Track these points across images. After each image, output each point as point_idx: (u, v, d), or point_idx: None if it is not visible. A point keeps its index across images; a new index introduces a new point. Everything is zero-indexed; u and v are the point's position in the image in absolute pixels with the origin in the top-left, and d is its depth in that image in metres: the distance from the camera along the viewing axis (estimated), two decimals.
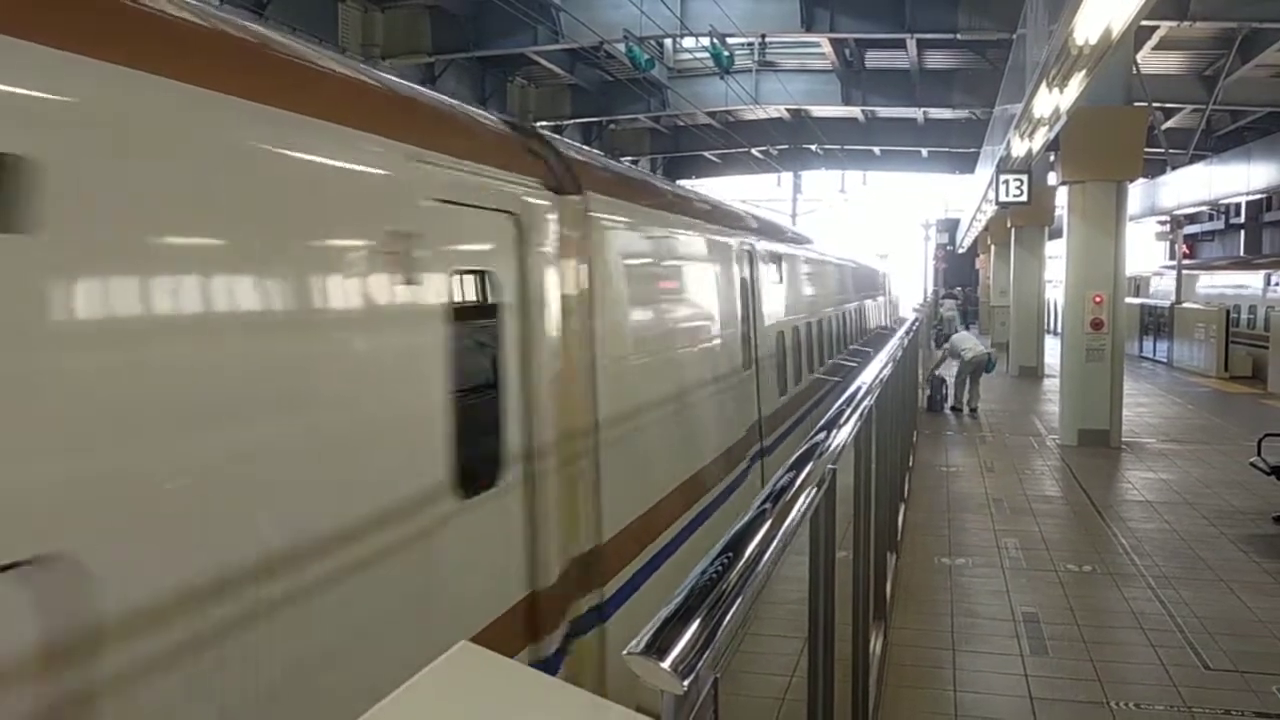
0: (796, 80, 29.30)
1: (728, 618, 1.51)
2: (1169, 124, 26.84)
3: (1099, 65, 9.84)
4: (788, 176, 48.07)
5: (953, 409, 17.73)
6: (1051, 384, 20.91)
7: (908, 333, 11.79)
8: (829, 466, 3.23)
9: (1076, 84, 10.35)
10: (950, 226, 47.83)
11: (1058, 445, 14.14)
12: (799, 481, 2.66)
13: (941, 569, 8.16)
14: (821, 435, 3.44)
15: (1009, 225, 24.60)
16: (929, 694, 5.75)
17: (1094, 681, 5.93)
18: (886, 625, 6.42)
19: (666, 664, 1.25)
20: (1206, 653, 6.36)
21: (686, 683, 1.24)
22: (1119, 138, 13.52)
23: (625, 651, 1.25)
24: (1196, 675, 6.04)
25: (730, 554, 1.84)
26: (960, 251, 46.29)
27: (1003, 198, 16.95)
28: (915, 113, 31.48)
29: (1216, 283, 29.60)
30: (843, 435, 3.66)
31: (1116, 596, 7.53)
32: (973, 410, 17.62)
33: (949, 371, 18.67)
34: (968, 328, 19.62)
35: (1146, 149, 16.05)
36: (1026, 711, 5.52)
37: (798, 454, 2.99)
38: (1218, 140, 28.93)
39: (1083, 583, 7.88)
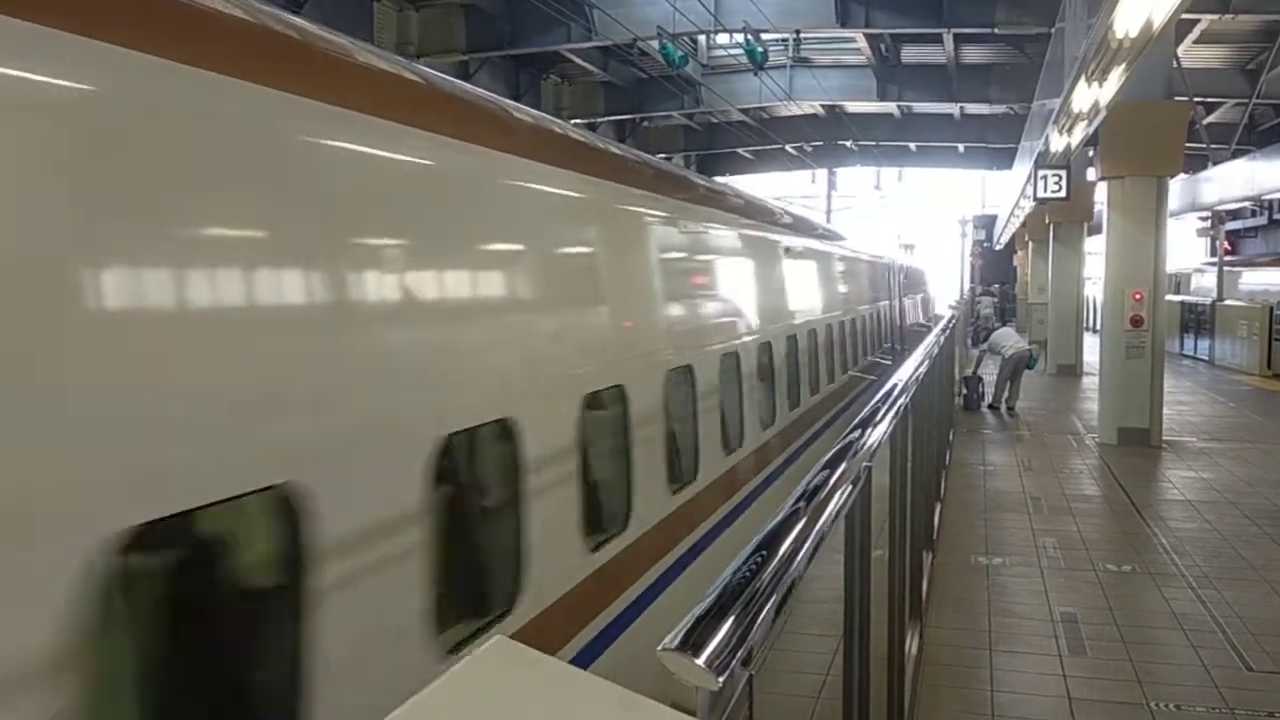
0: (831, 76, 29.16)
1: (762, 615, 1.50)
2: (1210, 118, 26.49)
3: (1139, 59, 9.72)
4: (822, 173, 47.86)
5: (989, 407, 17.58)
6: (1090, 382, 20.70)
7: (944, 330, 11.71)
8: (864, 464, 3.20)
9: (1116, 78, 10.23)
10: (987, 223, 47.44)
11: (1097, 444, 13.99)
12: (833, 480, 2.64)
13: (978, 568, 8.10)
14: (856, 433, 3.41)
15: (1047, 221, 24.37)
16: (965, 693, 5.70)
17: (1133, 682, 5.86)
18: (922, 624, 6.37)
19: (701, 660, 1.23)
20: (1249, 654, 6.27)
21: (721, 679, 1.23)
22: (1159, 132, 13.35)
23: (659, 647, 1.24)
24: (1238, 677, 5.95)
25: (764, 552, 1.82)
26: (998, 248, 45.88)
27: (1041, 193, 16.78)
28: (952, 108, 31.26)
29: (1259, 279, 29.21)
30: (878, 433, 3.62)
31: (1156, 597, 7.44)
32: (1010, 409, 17.46)
33: (987, 370, 18.51)
34: (1006, 324, 19.34)
35: (1187, 144, 15.88)
36: (1065, 712, 5.46)
37: (832, 452, 2.97)
38: (1260, 135, 28.49)
39: (1122, 583, 7.79)
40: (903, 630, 4.77)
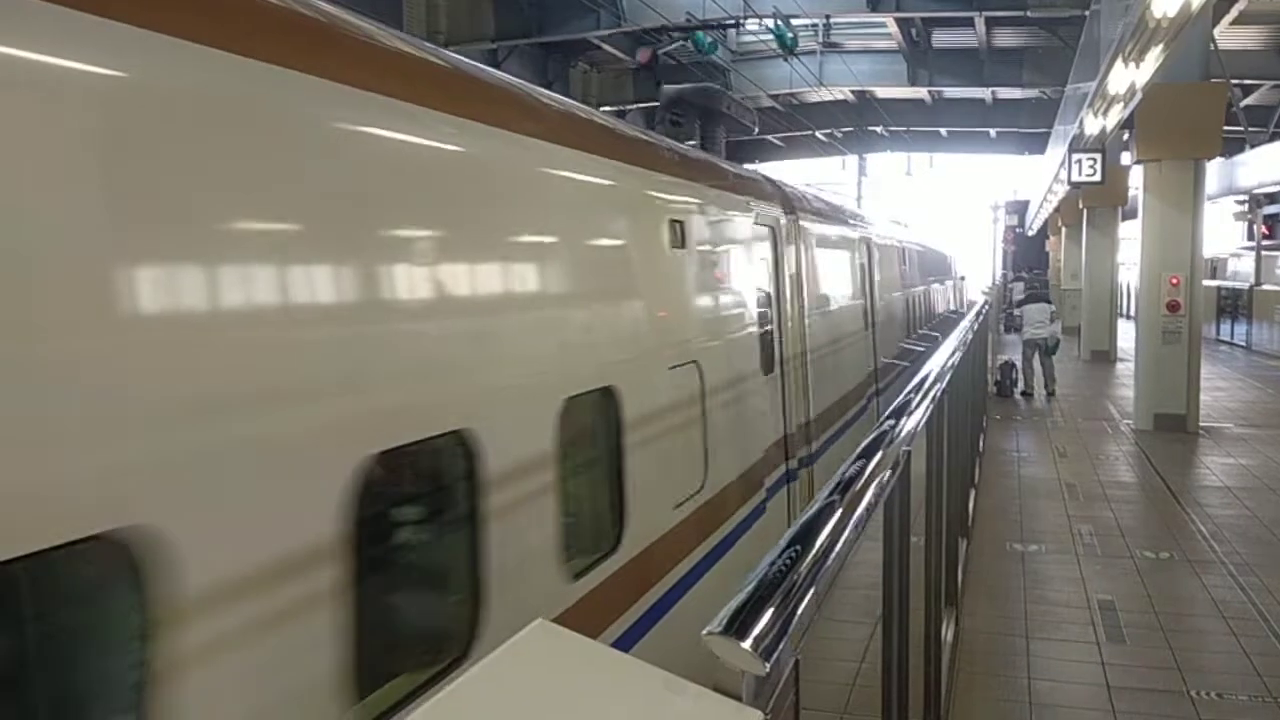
0: (861, 61, 28.93)
1: (804, 601, 1.47)
2: (1248, 101, 26.09)
3: (1176, 40, 9.57)
4: (853, 159, 47.56)
5: (1023, 394, 17.43)
6: (1124, 368, 20.50)
7: (977, 316, 11.61)
8: (904, 449, 3.16)
9: (1153, 59, 10.09)
10: (1020, 209, 47.01)
11: (1132, 430, 13.84)
12: (868, 470, 2.59)
13: (1014, 555, 8.02)
14: (891, 422, 3.36)
15: (1081, 206, 24.11)
16: (1002, 681, 5.65)
17: (1173, 670, 5.79)
18: (958, 612, 6.32)
19: (747, 644, 1.20)
20: None
21: (768, 664, 1.20)
22: (1196, 115, 13.16)
23: (705, 631, 1.21)
24: None
25: (799, 546, 1.77)
26: (1030, 234, 45.48)
27: (1075, 177, 16.58)
28: (983, 93, 30.97)
29: None
30: (914, 421, 3.58)
31: (1196, 584, 7.34)
32: (1050, 394, 17.30)
33: (1018, 354, 18.34)
34: (1036, 300, 18.75)
35: (1225, 127, 15.62)
36: (1103, 700, 5.40)
37: (867, 441, 2.93)
38: None
39: (1160, 570, 7.70)
40: (939, 617, 4.73)
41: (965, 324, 9.01)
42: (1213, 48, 14.98)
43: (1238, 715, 5.28)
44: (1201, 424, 13.80)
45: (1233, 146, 25.61)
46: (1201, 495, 10.13)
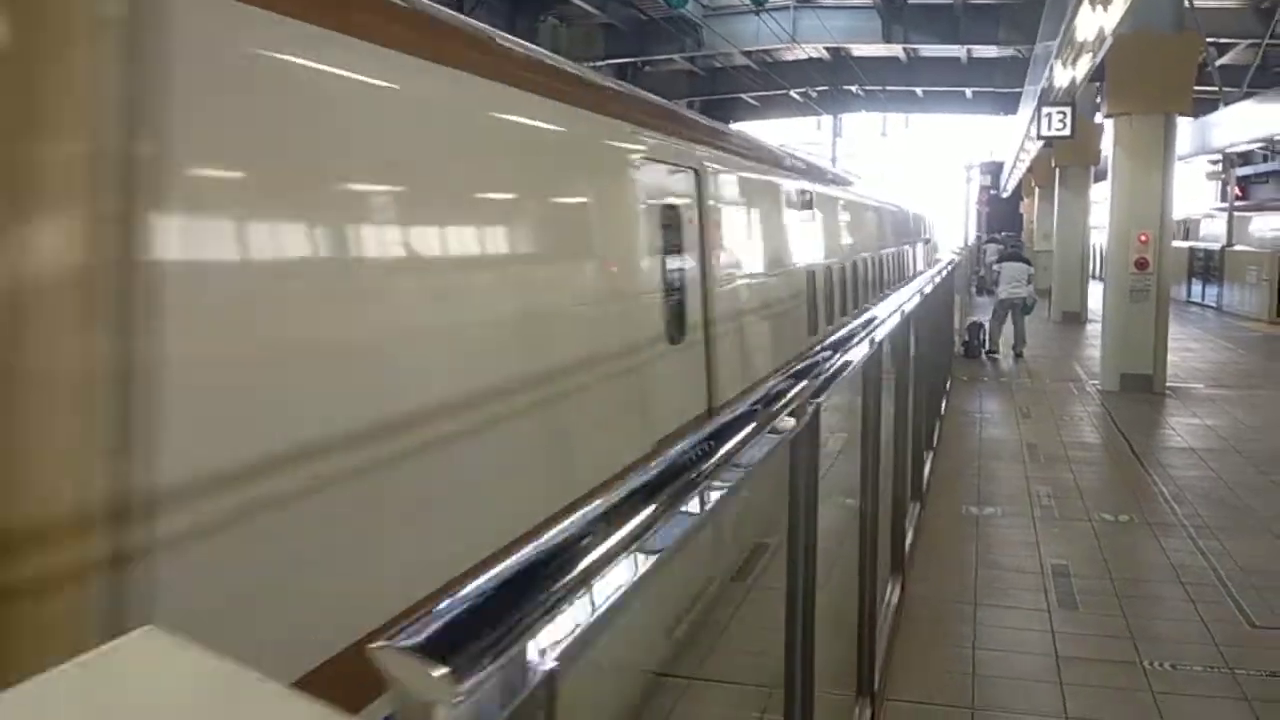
0: (836, 17, 28.41)
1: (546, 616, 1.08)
2: (1223, 60, 25.75)
3: None
4: (828, 120, 47.10)
5: (989, 354, 17.14)
6: (1095, 330, 20.21)
7: (940, 273, 11.29)
8: (812, 403, 2.80)
9: (1122, 1, 9.72)
10: (994, 170, 46.68)
11: (1099, 391, 13.58)
12: (745, 433, 2.18)
13: (968, 519, 7.73)
14: (790, 382, 2.88)
15: (1053, 166, 23.80)
16: (945, 651, 5.34)
17: (1126, 639, 5.50)
18: (905, 578, 6.02)
19: (438, 671, 0.86)
20: (1252, 609, 5.90)
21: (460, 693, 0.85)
22: (1168, 67, 12.80)
23: (376, 646, 0.86)
24: (1240, 633, 5.59)
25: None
26: (1004, 196, 45.19)
27: (1044, 131, 16.24)
28: (959, 51, 30.53)
29: (1270, 225, 28.62)
30: (834, 368, 3.23)
31: (1154, 547, 7.07)
32: (1017, 355, 17.04)
33: (985, 316, 18.07)
34: (1027, 261, 18.37)
35: (1198, 86, 15.29)
36: (1051, 671, 5.11)
37: (768, 388, 2.56)
38: (1273, 77, 27.75)
39: (1118, 533, 7.42)
40: (874, 586, 4.41)
41: (924, 278, 8.67)
42: (1188, 5, 14.63)
43: (1190, 686, 5.00)
44: (1169, 384, 13.55)
45: (1206, 107, 25.32)
46: (1165, 456, 9.87)
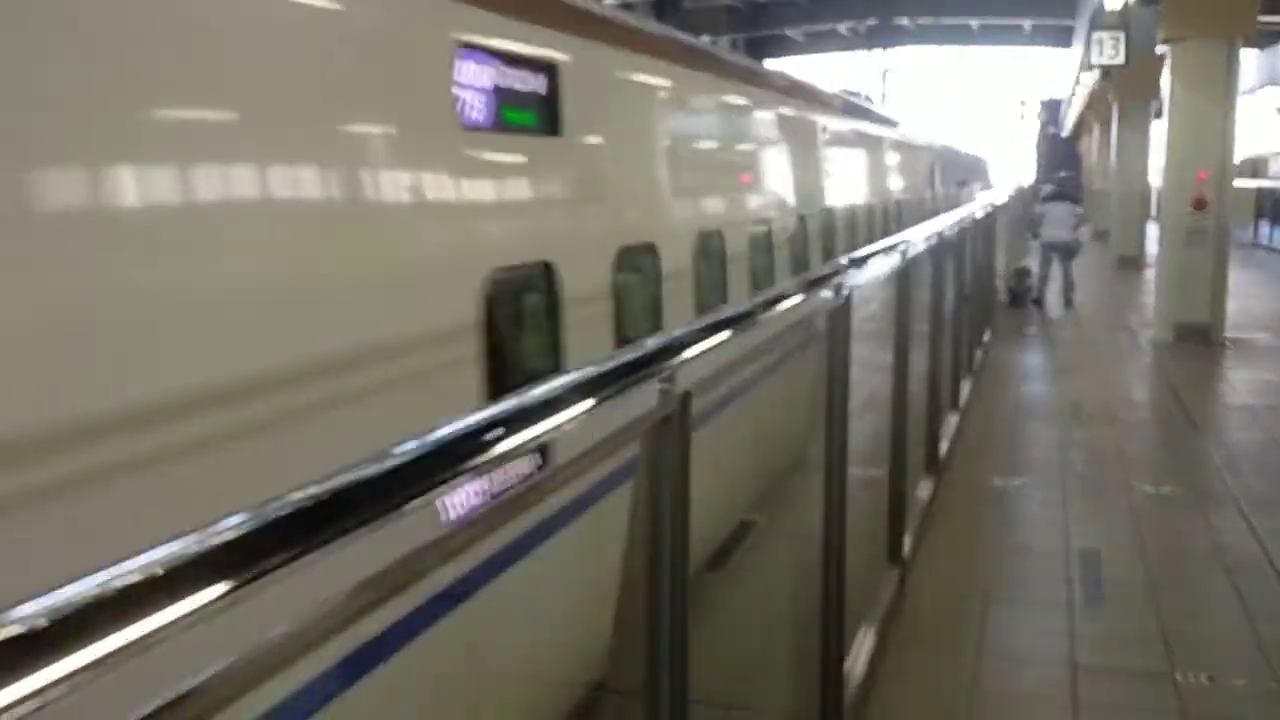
0: None
1: None
2: None
3: None
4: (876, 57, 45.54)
5: (1034, 302, 16.15)
6: (1153, 275, 19.16)
7: (983, 212, 10.50)
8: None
9: None
10: (1054, 108, 44.96)
11: (1152, 342, 12.63)
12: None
13: (991, 492, 6.96)
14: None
15: (1110, 100, 22.54)
16: (942, 661, 4.62)
17: (1158, 642, 4.74)
18: (905, 568, 5.29)
19: None
20: None
21: None
22: None
23: None
24: None
25: None
26: (1064, 135, 43.52)
27: (1096, 59, 15.11)
28: None
29: None
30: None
31: (1199, 527, 6.26)
32: (1068, 303, 16.04)
33: (1034, 261, 17.07)
34: (1076, 202, 17.27)
35: (1266, 16, 14.06)
36: (1065, 685, 4.37)
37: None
38: None
39: (1159, 508, 6.62)
40: (841, 585, 3.68)
41: (943, 218, 7.84)
42: None
43: (1231, 705, 4.26)
44: (1228, 335, 12.55)
45: (1275, 39, 23.81)
46: (1219, 416, 9.01)
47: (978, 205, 12.00)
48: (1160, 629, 4.87)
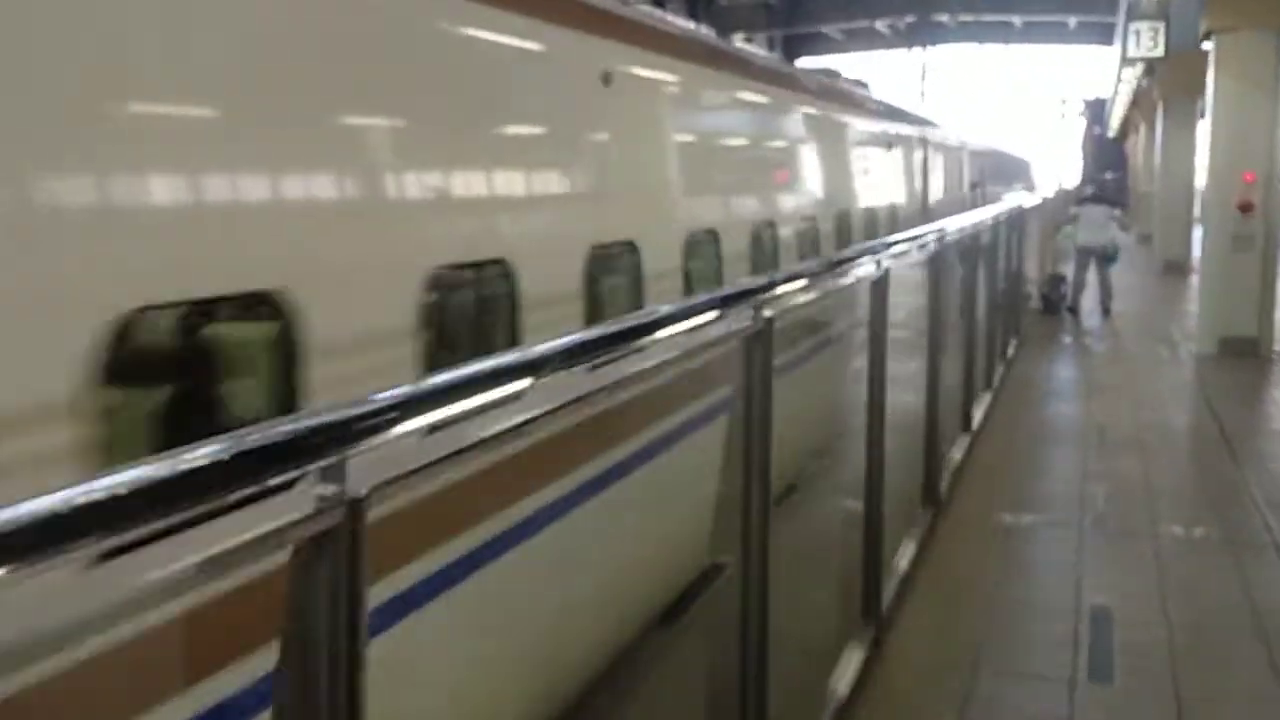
0: None
1: None
2: None
3: None
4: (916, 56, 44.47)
5: (1069, 310, 15.22)
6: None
7: (1007, 216, 9.80)
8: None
9: None
10: (1098, 108, 43.66)
11: (1194, 356, 11.71)
12: None
13: (997, 531, 6.15)
14: None
15: (1155, 97, 21.50)
16: None
17: None
18: (882, 633, 4.52)
19: None
20: None
21: None
22: None
23: None
24: None
25: None
26: (1110, 137, 42.21)
27: (1133, 51, 14.15)
28: None
29: None
30: None
31: (1233, 581, 5.42)
32: (1105, 311, 15.11)
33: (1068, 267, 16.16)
34: (1112, 206, 16.34)
35: None
36: None
37: None
38: None
39: (1188, 556, 5.80)
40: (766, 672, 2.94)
41: (952, 221, 7.06)
42: None
43: None
44: (1277, 348, 11.62)
45: None
46: (1264, 444, 8.13)
47: (1000, 207, 11.20)
48: (1179, 713, 4.06)
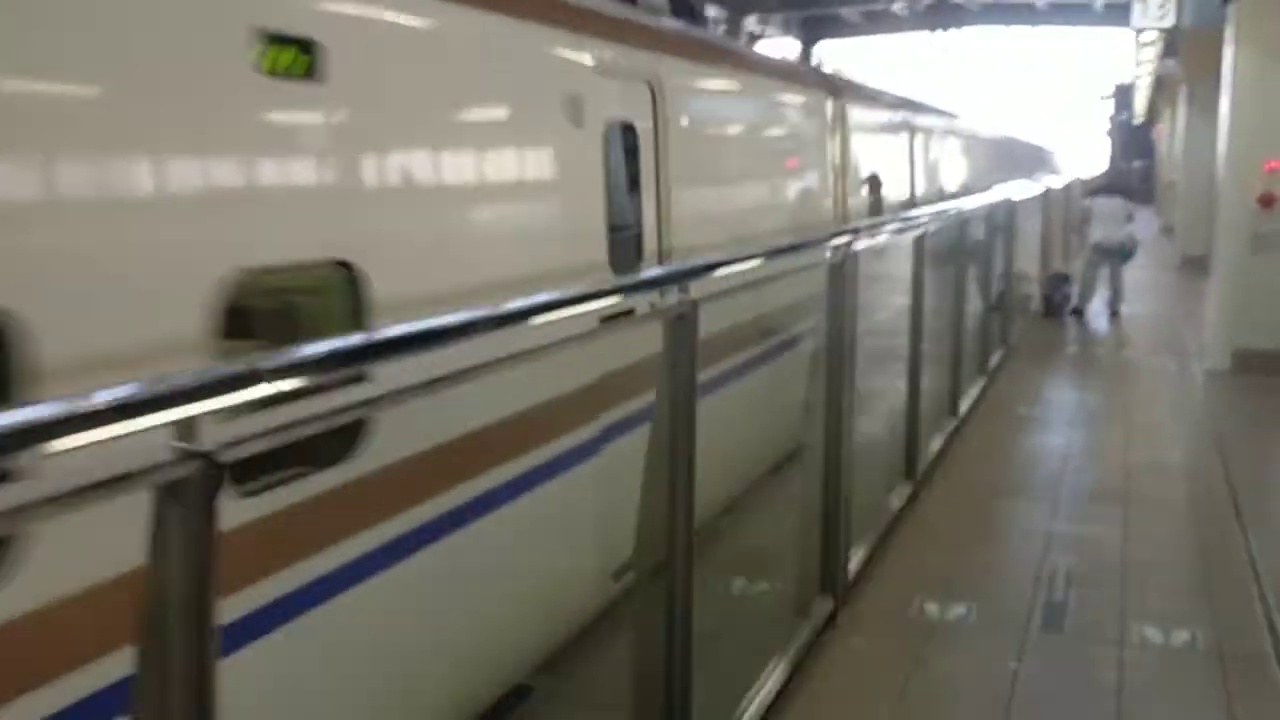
0: None
1: None
2: None
3: None
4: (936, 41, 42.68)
5: (1073, 312, 13.63)
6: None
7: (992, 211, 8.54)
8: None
9: None
10: (1125, 93, 41.71)
11: (1205, 372, 10.13)
12: None
13: (912, 633, 4.67)
14: None
15: (1178, 79, 19.78)
16: None
17: None
18: None
19: None
20: None
21: None
22: None
23: None
24: None
25: None
26: (1137, 122, 40.28)
27: (1140, 20, 12.51)
28: None
29: None
30: None
31: (1219, 716, 3.94)
32: (1113, 314, 13.54)
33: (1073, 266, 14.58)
34: (1129, 198, 14.75)
35: None
36: None
37: None
38: None
39: (1166, 677, 4.30)
40: None
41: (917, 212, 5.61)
42: None
43: None
44: None
45: None
46: (1277, 498, 6.60)
47: (984, 197, 9.74)
48: None
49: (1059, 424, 8.36)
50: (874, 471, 5.93)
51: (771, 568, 5.16)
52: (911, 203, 10.92)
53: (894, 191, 10.45)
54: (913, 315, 6.52)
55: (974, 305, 9.02)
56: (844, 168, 8.71)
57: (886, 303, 6.72)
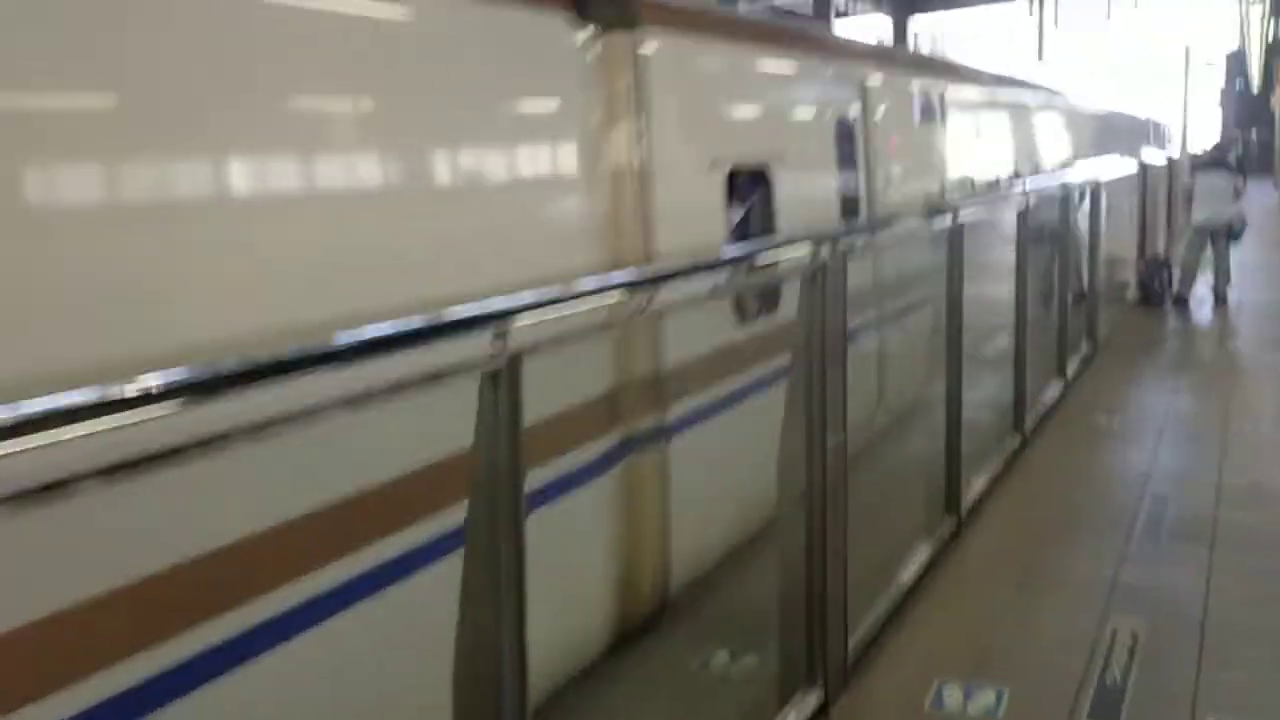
0: None
1: None
2: None
3: None
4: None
5: (1176, 301, 12.34)
6: None
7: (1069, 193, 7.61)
8: None
9: None
10: (1239, 60, 39.17)
11: None
12: None
13: None
14: None
15: None
16: None
17: None
18: None
19: None
20: None
21: None
22: None
23: None
24: None
25: None
26: (1254, 91, 37.80)
27: None
28: None
29: None
30: None
31: None
32: (1219, 300, 12.24)
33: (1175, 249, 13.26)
34: (1239, 171, 13.39)
35: None
36: None
37: None
38: None
39: None
40: None
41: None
42: None
43: None
44: None
45: None
46: None
47: (1051, 179, 8.70)
48: None
49: (1142, 438, 7.23)
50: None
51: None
52: (995, 182, 10.20)
53: (984, 172, 10.02)
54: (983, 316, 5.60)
55: (1051, 299, 8.04)
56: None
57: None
